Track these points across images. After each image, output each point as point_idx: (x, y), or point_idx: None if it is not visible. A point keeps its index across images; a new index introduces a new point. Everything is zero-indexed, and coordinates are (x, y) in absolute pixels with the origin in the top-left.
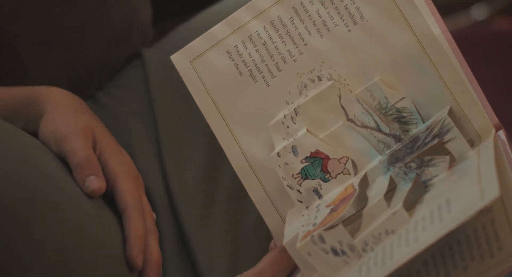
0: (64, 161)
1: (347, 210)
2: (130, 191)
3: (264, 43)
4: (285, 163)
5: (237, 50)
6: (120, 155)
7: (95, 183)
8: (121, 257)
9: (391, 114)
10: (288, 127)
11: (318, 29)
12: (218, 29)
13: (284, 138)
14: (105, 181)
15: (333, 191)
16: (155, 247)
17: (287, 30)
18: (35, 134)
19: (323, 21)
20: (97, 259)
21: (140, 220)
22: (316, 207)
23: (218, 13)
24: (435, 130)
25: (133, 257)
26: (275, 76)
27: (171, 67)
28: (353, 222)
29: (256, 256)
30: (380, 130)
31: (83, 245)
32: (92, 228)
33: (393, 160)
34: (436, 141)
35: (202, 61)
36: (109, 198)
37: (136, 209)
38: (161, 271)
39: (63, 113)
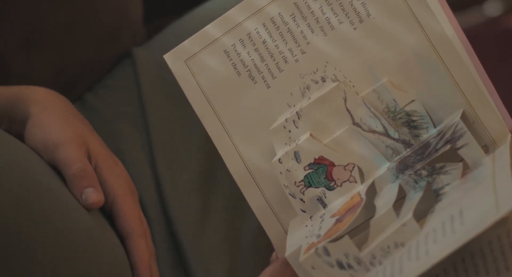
0: (56, 169)
1: (354, 220)
2: (132, 214)
3: (264, 42)
4: (287, 170)
5: (235, 49)
6: (116, 168)
7: (94, 195)
8: (116, 274)
9: (400, 118)
10: (290, 131)
11: (322, 27)
12: (214, 28)
13: (285, 143)
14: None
15: (339, 200)
16: (157, 269)
17: (289, 28)
18: (18, 137)
19: (327, 19)
20: (90, 275)
21: (145, 247)
22: (320, 217)
23: (213, 10)
24: (447, 135)
25: None
26: (275, 77)
27: (164, 67)
28: (359, 233)
29: (256, 268)
30: (388, 135)
31: (77, 260)
32: (88, 242)
33: (403, 167)
34: (448, 147)
35: (197, 60)
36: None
37: (140, 234)
38: None
39: (53, 118)
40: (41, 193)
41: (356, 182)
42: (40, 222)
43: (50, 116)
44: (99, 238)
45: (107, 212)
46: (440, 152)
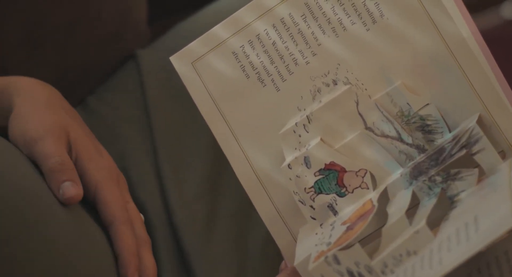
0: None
1: (365, 228)
2: (114, 201)
3: (274, 43)
4: (296, 176)
5: (243, 51)
6: (99, 157)
7: (71, 189)
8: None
9: (414, 122)
10: (300, 136)
11: (333, 28)
12: (221, 29)
13: (295, 148)
14: (85, 190)
15: (350, 207)
16: (149, 258)
17: (299, 29)
18: (4, 129)
19: (339, 19)
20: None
21: (130, 234)
22: (331, 224)
23: (220, 10)
24: (463, 140)
25: None
26: (285, 80)
27: (169, 69)
28: (371, 242)
29: None
30: (401, 140)
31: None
32: (64, 238)
33: (416, 173)
34: (463, 152)
35: (204, 62)
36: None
37: (124, 222)
38: None
39: (33, 109)
40: (34, 199)
41: (368, 188)
42: (32, 228)
43: (32, 106)
44: (76, 234)
45: (91, 203)
46: (455, 158)
